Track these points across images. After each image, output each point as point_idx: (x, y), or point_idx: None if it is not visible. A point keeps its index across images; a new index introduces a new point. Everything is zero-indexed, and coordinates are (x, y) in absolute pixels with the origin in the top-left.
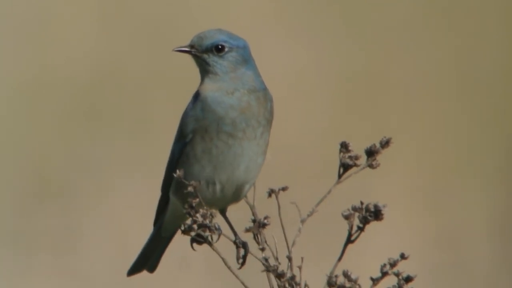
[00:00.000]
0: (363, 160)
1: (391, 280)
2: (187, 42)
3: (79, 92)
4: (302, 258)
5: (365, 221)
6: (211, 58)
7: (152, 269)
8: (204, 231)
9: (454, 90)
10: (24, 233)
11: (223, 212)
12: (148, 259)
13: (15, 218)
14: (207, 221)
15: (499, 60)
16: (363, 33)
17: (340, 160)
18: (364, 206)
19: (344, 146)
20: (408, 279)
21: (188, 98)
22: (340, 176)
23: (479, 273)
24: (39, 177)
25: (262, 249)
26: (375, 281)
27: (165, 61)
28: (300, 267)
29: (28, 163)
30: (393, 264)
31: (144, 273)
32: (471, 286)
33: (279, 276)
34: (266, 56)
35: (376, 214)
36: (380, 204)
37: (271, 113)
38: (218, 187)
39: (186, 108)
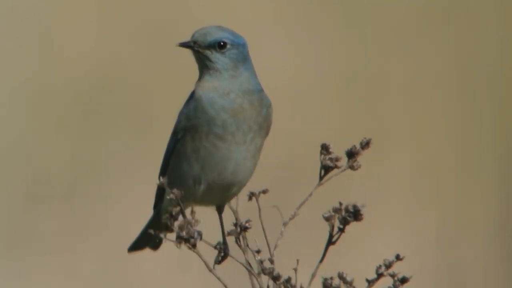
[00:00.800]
0: (344, 161)
1: (387, 281)
2: (189, 38)
3: (80, 92)
4: (297, 261)
5: (344, 222)
6: (214, 55)
7: (155, 247)
8: (180, 242)
9: (454, 90)
10: (25, 234)
11: (219, 211)
12: (149, 239)
13: (15, 219)
14: (184, 233)
15: (499, 60)
16: (363, 33)
17: (321, 162)
18: (343, 207)
19: (325, 148)
20: (404, 280)
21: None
22: (321, 178)
23: (479, 274)
24: (39, 178)
25: (258, 252)
26: (370, 282)
27: (166, 61)
28: (295, 270)
29: (29, 163)
30: (388, 265)
31: (145, 274)
32: (470, 286)
33: (275, 278)
34: (266, 56)
35: (355, 214)
36: (358, 204)
37: (265, 118)
38: (203, 187)
39: (183, 105)
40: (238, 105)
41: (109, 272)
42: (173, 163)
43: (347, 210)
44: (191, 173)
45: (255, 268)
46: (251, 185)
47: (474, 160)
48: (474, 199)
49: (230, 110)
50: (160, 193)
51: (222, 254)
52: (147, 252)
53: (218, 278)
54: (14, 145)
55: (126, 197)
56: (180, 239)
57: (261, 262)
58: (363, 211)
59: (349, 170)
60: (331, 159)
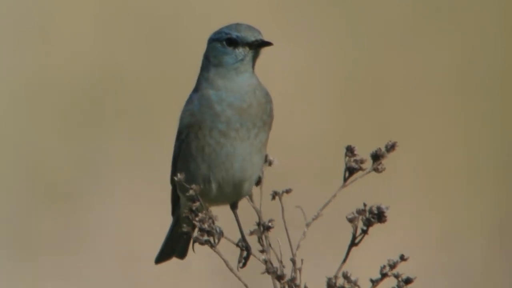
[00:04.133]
0: (368, 164)
1: (391, 281)
2: (255, 34)
3: (79, 92)
4: (302, 260)
5: (368, 223)
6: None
7: (181, 255)
8: (203, 236)
9: (455, 91)
10: (26, 235)
11: (233, 208)
12: (173, 248)
13: (17, 219)
14: (206, 226)
15: (499, 60)
16: (363, 33)
17: (346, 164)
18: (367, 208)
19: (350, 150)
20: (408, 281)
21: (188, 97)
22: (345, 179)
23: (481, 275)
24: (40, 178)
25: (262, 251)
26: (374, 282)
27: (165, 61)
28: (300, 269)
29: (29, 164)
30: (392, 266)
31: (145, 275)
32: (473, 287)
33: (279, 278)
34: (266, 56)
35: (379, 216)
36: (383, 206)
37: (269, 115)
38: (214, 185)
39: (184, 105)
40: (247, 103)
41: (109, 272)
42: (181, 166)
43: (371, 211)
44: (200, 173)
45: (278, 268)
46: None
47: (477, 162)
48: (477, 201)
49: (237, 107)
50: (174, 201)
51: (245, 253)
52: (150, 254)
53: (239, 278)
54: (14, 146)
55: (125, 197)
56: (202, 231)
57: (266, 261)
58: (387, 213)
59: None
60: (356, 161)
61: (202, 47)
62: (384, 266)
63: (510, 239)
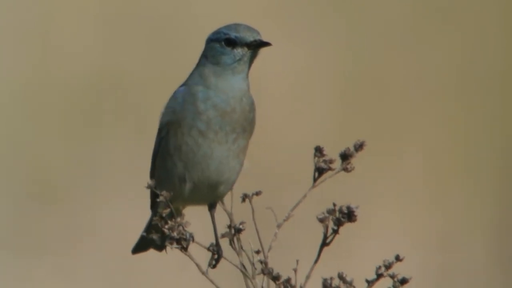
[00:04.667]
0: (337, 164)
1: (387, 282)
2: (254, 35)
3: (79, 93)
4: (297, 261)
5: (338, 223)
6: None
7: (160, 248)
8: (172, 243)
9: (454, 90)
10: (25, 235)
11: (210, 208)
12: (151, 240)
13: (16, 219)
14: (175, 234)
15: (499, 60)
16: (363, 33)
17: (315, 164)
18: (337, 208)
19: (319, 150)
20: (403, 281)
21: None
22: (315, 180)
23: (479, 275)
24: (39, 179)
25: (257, 252)
26: (370, 283)
27: (165, 61)
28: (295, 270)
29: (28, 164)
30: (388, 266)
31: (146, 273)
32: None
33: (275, 279)
34: (266, 57)
35: (349, 215)
36: (352, 206)
37: (250, 123)
38: (189, 185)
39: (167, 102)
40: (230, 107)
41: (108, 272)
42: (159, 163)
43: (341, 211)
44: (176, 172)
45: (249, 270)
46: (246, 187)
47: (477, 162)
48: (476, 201)
49: (219, 109)
50: (153, 194)
51: (216, 256)
52: (149, 252)
53: (211, 281)
54: (14, 146)
55: (125, 197)
56: (171, 240)
57: (261, 262)
58: (357, 212)
59: (342, 172)
60: (325, 161)
61: (202, 47)
62: (380, 267)
63: (510, 239)
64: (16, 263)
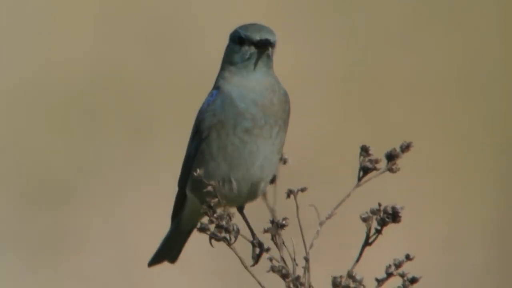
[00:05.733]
0: (383, 164)
1: (397, 281)
2: (262, 34)
3: (79, 92)
4: (307, 259)
5: (383, 223)
6: (271, 52)
7: (173, 259)
8: (220, 232)
9: (454, 90)
10: (24, 234)
11: (241, 210)
12: (168, 252)
13: (15, 219)
14: (224, 222)
15: (499, 60)
16: (363, 33)
17: (360, 164)
18: (382, 208)
19: (365, 150)
20: (413, 280)
21: (187, 97)
22: (359, 179)
23: (480, 275)
24: (39, 178)
25: (267, 250)
26: (380, 282)
27: (165, 61)
28: (304, 268)
29: (28, 164)
30: (398, 265)
31: (145, 273)
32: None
33: (284, 276)
34: None
35: (394, 216)
36: (398, 206)
37: (288, 115)
38: (234, 184)
39: (203, 104)
40: (268, 100)
41: (108, 272)
42: (197, 166)
43: (385, 211)
44: (218, 172)
45: (290, 266)
46: None
47: (477, 162)
48: (477, 201)
49: (260, 104)
50: (180, 202)
51: (258, 250)
52: (150, 254)
53: (253, 276)
54: (14, 146)
55: (125, 197)
56: (220, 228)
57: (270, 260)
58: (402, 213)
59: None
60: (370, 160)
61: (202, 47)
62: (390, 266)
63: (510, 239)
64: (18, 263)
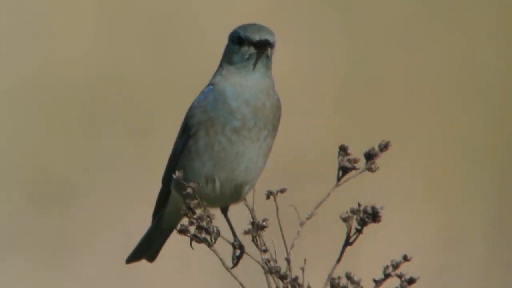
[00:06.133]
0: (362, 163)
1: (394, 281)
2: (261, 35)
3: (79, 92)
4: (304, 260)
5: (363, 223)
6: (270, 53)
7: (151, 258)
8: (201, 233)
9: (453, 90)
10: (24, 234)
11: (224, 212)
12: (147, 249)
13: (17, 220)
14: (204, 223)
15: (499, 60)
16: (362, 33)
17: (339, 163)
18: (362, 208)
19: (343, 149)
20: (411, 281)
21: (187, 97)
22: (339, 179)
23: (480, 275)
24: (39, 179)
25: (265, 251)
26: (377, 282)
27: (165, 61)
28: (302, 269)
29: (28, 164)
30: (395, 266)
31: (146, 273)
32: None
33: (282, 277)
34: None
35: (374, 216)
36: (377, 206)
37: (278, 120)
38: (217, 185)
39: (194, 101)
40: (261, 102)
41: (108, 272)
42: (183, 163)
43: (365, 211)
44: (203, 171)
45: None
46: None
47: (477, 162)
48: (476, 201)
49: (252, 105)
50: (162, 200)
51: (239, 251)
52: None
53: (235, 277)
54: (13, 146)
55: (125, 197)
56: (200, 229)
57: (267, 261)
58: (382, 213)
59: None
60: (349, 160)
61: (202, 47)
62: (387, 266)
63: (509, 239)
64: (16, 263)
